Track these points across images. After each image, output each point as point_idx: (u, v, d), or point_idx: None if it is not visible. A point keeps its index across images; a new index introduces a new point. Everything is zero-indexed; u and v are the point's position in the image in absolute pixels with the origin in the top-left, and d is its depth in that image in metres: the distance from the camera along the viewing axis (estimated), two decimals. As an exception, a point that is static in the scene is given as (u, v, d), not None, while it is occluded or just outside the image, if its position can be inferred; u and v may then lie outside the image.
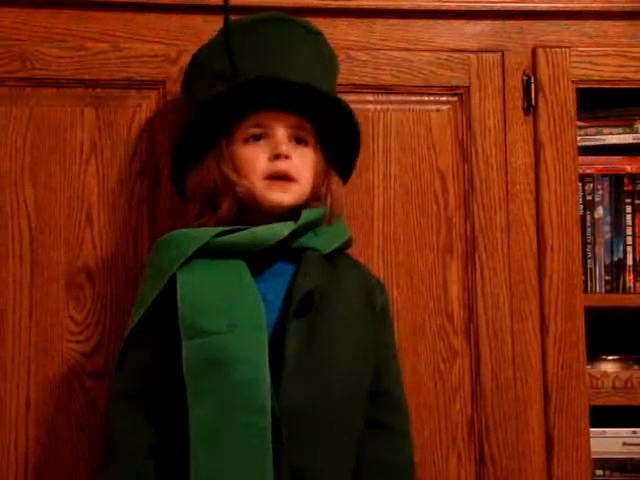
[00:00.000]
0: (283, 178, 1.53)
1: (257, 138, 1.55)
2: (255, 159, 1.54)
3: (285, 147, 1.53)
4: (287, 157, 1.53)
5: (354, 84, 1.80)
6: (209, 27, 1.65)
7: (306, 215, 1.54)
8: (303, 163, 1.56)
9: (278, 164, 1.53)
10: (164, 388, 1.46)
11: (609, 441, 1.85)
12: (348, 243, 1.62)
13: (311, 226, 1.55)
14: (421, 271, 1.80)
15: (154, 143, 1.77)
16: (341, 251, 1.60)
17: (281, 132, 1.54)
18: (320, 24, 1.67)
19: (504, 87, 1.84)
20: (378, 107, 1.83)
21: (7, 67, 1.76)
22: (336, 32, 1.80)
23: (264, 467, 1.36)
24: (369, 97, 1.83)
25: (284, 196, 1.53)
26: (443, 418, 1.76)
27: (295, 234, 1.52)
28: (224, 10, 1.55)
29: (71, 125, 1.78)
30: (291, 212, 1.54)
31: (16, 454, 1.70)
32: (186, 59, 1.75)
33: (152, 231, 1.75)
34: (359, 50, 1.83)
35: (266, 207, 1.54)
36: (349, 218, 1.74)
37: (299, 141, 1.57)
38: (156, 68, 1.79)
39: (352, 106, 1.74)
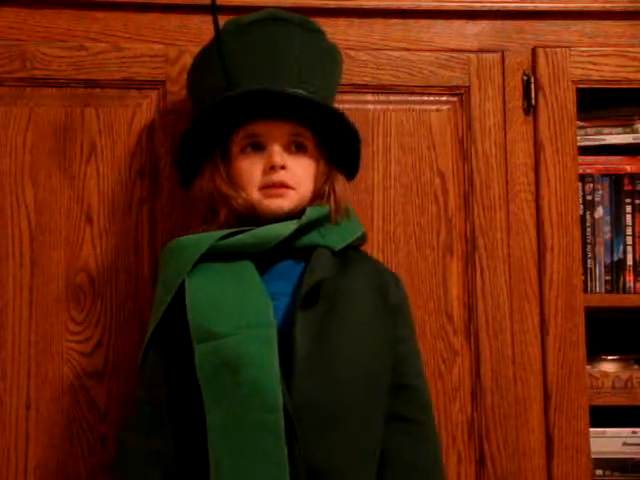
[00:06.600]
0: (279, 186, 1.53)
1: (254, 148, 1.55)
2: (251, 171, 1.54)
3: (279, 158, 1.53)
4: (282, 167, 1.53)
5: (354, 84, 1.80)
6: (209, 27, 1.64)
7: (310, 212, 1.53)
8: (301, 170, 1.56)
9: (273, 176, 1.53)
10: (181, 394, 1.46)
11: (609, 441, 1.85)
12: (361, 239, 1.62)
13: (316, 224, 1.54)
14: (421, 271, 1.80)
15: (154, 143, 1.77)
16: (355, 248, 1.60)
17: (276, 142, 1.54)
18: (320, 24, 1.67)
19: (504, 87, 1.84)
20: (378, 107, 1.83)
21: (7, 67, 1.76)
22: (336, 32, 1.80)
23: (280, 465, 1.36)
24: (369, 97, 1.83)
25: (283, 202, 1.53)
26: (443, 418, 1.76)
27: (299, 232, 1.52)
28: (213, 21, 1.55)
29: (71, 125, 1.78)
30: (294, 214, 1.54)
31: (16, 454, 1.70)
32: (186, 59, 1.75)
33: (152, 231, 1.75)
34: (359, 50, 1.83)
35: (266, 215, 1.54)
36: (349, 218, 1.75)
37: (298, 148, 1.56)
38: (156, 68, 1.79)
39: (352, 106, 1.74)
